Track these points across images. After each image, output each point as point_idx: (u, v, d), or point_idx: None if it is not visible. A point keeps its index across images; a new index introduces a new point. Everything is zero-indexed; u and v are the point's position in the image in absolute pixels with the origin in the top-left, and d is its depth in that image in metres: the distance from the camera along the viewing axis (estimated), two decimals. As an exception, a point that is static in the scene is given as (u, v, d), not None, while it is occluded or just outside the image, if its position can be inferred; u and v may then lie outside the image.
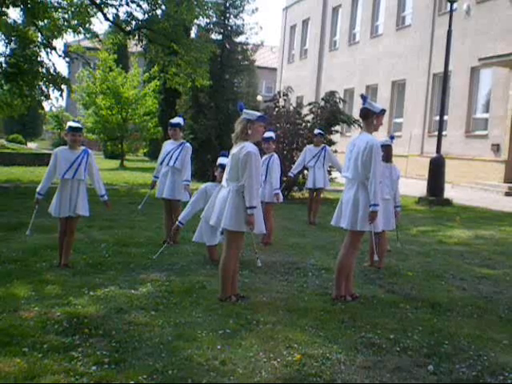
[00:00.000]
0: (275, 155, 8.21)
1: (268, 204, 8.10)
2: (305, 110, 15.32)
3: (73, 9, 15.28)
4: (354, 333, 4.41)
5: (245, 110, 5.04)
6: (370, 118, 5.29)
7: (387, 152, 6.70)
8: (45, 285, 5.35)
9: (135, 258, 6.65)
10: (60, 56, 16.69)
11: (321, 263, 6.86)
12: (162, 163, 7.85)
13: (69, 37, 72.91)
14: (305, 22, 33.14)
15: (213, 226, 5.47)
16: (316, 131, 10.72)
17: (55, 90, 15.85)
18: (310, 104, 15.13)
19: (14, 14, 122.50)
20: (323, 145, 10.61)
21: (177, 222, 6.78)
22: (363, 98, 5.35)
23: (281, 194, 8.21)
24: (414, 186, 17.14)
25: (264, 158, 8.16)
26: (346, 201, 5.30)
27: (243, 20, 21.21)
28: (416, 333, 4.47)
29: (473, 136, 19.42)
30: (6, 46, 15.97)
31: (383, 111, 5.34)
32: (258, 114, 5.07)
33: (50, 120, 42.22)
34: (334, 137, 15.01)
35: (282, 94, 15.05)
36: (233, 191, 4.98)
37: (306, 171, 11.81)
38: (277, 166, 8.12)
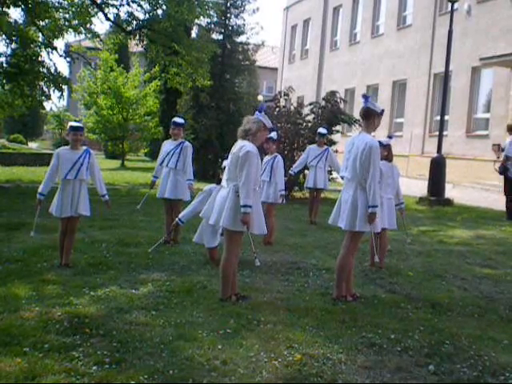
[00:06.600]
0: (279, 156, 8.21)
1: (271, 204, 8.11)
2: (306, 110, 15.31)
3: (74, 9, 15.28)
4: (354, 333, 4.41)
5: (263, 114, 5.10)
6: (371, 118, 5.27)
7: (388, 151, 6.70)
8: (45, 285, 5.35)
9: (136, 258, 6.65)
10: (61, 56, 16.68)
11: (322, 263, 6.85)
12: (161, 163, 7.85)
13: (70, 37, 72.99)
14: (306, 22, 33.11)
15: (213, 226, 5.46)
16: (319, 130, 10.66)
17: (56, 90, 15.84)
18: (310, 104, 15.13)
19: (15, 13, 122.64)
20: (326, 146, 10.61)
21: (176, 219, 6.78)
22: (365, 97, 5.33)
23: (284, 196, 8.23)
24: (414, 185, 17.12)
25: (268, 158, 8.18)
26: (345, 201, 5.28)
27: (244, 20, 21.27)
28: (417, 333, 4.47)
29: (474, 136, 19.40)
30: (7, 46, 15.97)
31: (383, 111, 5.35)
32: (271, 124, 5.19)
33: (50, 120, 42.24)
34: (335, 137, 15.00)
35: (282, 94, 15.05)
36: (232, 191, 4.98)
37: (306, 171, 11.79)
38: (281, 166, 8.13)
